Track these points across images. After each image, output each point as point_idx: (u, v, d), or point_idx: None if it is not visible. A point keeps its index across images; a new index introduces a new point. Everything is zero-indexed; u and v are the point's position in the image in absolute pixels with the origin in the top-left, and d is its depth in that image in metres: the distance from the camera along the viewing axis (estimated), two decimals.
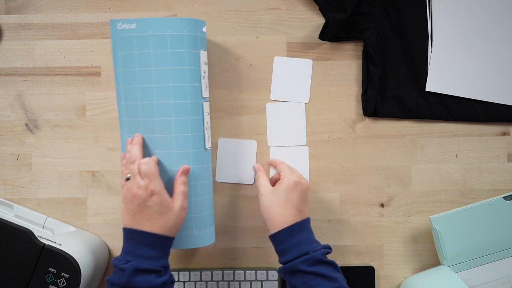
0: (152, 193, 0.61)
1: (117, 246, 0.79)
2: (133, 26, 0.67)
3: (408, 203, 0.79)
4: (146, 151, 0.68)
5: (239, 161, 0.78)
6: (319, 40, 0.78)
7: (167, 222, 0.62)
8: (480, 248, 0.73)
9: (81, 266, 0.66)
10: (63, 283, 0.65)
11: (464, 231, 0.73)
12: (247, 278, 0.77)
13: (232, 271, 0.77)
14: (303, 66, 0.79)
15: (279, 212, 0.65)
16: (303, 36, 0.79)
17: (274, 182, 0.70)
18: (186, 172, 0.67)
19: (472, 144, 0.79)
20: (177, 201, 0.64)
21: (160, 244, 0.62)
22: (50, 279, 0.65)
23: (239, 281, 0.77)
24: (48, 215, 0.78)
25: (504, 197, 0.73)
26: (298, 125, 0.79)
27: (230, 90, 0.79)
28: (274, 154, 0.78)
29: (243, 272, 0.77)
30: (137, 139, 0.67)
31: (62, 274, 0.65)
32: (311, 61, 0.78)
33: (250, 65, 0.79)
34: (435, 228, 0.72)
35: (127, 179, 0.64)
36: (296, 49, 0.79)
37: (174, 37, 0.67)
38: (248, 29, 0.79)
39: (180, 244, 0.69)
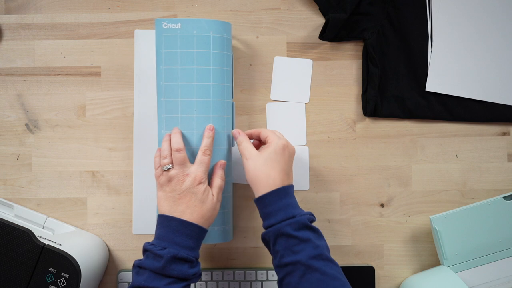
0: (199, 182, 0.64)
1: (117, 246, 0.79)
2: (178, 26, 0.70)
3: (408, 203, 0.79)
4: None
5: (234, 159, 0.78)
6: (319, 40, 0.78)
7: (206, 212, 0.64)
8: (480, 248, 0.73)
9: (81, 266, 0.66)
10: (63, 283, 0.65)
11: (464, 231, 0.73)
12: (247, 278, 0.77)
13: (232, 271, 0.77)
14: (303, 66, 0.79)
15: (268, 174, 0.64)
16: (303, 36, 0.79)
17: (256, 148, 0.69)
18: (223, 167, 0.69)
19: (472, 144, 0.79)
20: (215, 193, 0.66)
21: (197, 234, 0.63)
22: (50, 279, 0.65)
23: (239, 281, 0.77)
24: (48, 215, 0.78)
25: (504, 197, 0.73)
26: (298, 125, 0.79)
27: None
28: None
29: (243, 272, 0.77)
30: (177, 129, 0.69)
31: (62, 274, 0.65)
32: (311, 61, 0.79)
33: (250, 65, 0.79)
34: (435, 228, 0.72)
35: (168, 169, 0.65)
36: (296, 49, 0.79)
37: (216, 38, 0.70)
38: (248, 29, 0.79)
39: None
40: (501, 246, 0.73)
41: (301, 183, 0.78)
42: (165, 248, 0.60)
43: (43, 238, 0.68)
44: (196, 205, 0.63)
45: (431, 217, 0.73)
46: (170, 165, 0.65)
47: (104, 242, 0.78)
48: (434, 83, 0.77)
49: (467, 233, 0.73)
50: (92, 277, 0.71)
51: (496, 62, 0.77)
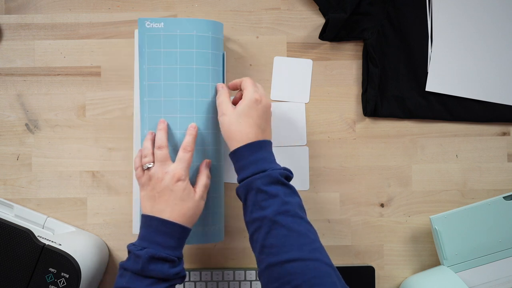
0: (178, 179, 0.62)
1: (117, 246, 0.79)
2: (161, 25, 0.69)
3: (408, 203, 0.79)
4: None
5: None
6: (319, 40, 0.78)
7: (187, 210, 0.62)
8: (480, 248, 0.73)
9: (81, 266, 0.66)
10: (63, 283, 0.65)
11: (464, 231, 0.73)
12: (247, 278, 0.77)
13: (232, 271, 0.77)
14: (303, 66, 0.79)
15: (240, 129, 0.63)
16: (303, 36, 0.79)
17: (237, 101, 0.68)
18: (209, 165, 0.69)
19: (472, 144, 0.79)
20: (199, 191, 0.65)
21: (178, 233, 0.62)
22: (50, 279, 0.65)
23: (239, 281, 0.77)
24: (48, 215, 0.78)
25: (504, 197, 0.73)
26: (298, 125, 0.78)
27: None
28: (274, 153, 0.78)
29: (243, 272, 0.77)
30: (163, 125, 0.67)
31: (62, 274, 0.65)
32: (311, 61, 0.78)
33: (250, 65, 0.79)
34: (435, 228, 0.72)
35: (148, 168, 0.64)
36: (296, 49, 0.79)
37: (200, 37, 0.69)
38: (248, 29, 0.79)
39: (190, 240, 0.69)
40: (501, 246, 0.73)
41: (301, 183, 0.78)
42: (144, 248, 0.60)
43: (43, 238, 0.68)
44: (176, 203, 0.62)
45: (431, 217, 0.73)
46: (152, 163, 0.64)
47: (104, 242, 0.78)
48: (434, 83, 0.77)
49: (467, 233, 0.73)
50: (92, 277, 0.71)
51: (496, 62, 0.77)
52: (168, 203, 0.62)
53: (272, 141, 0.65)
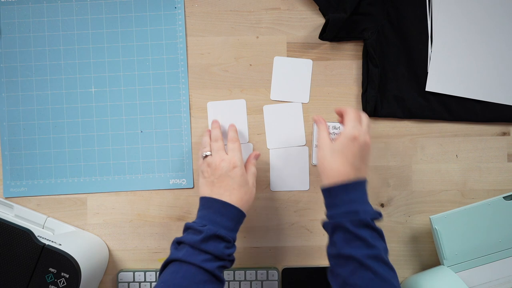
0: (234, 166, 0.67)
1: (117, 246, 0.79)
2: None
3: (408, 203, 0.79)
4: None
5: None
6: (319, 40, 0.78)
7: (243, 195, 0.67)
8: (480, 248, 0.73)
9: (81, 266, 0.66)
10: (63, 283, 0.65)
11: (464, 231, 0.73)
12: (247, 278, 0.77)
13: (232, 271, 0.77)
14: (303, 66, 0.79)
15: (332, 166, 0.64)
16: (303, 36, 0.79)
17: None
18: (257, 157, 0.74)
19: (472, 144, 0.79)
20: (250, 179, 0.69)
21: (236, 216, 0.65)
22: (50, 279, 0.65)
23: (239, 281, 0.77)
24: (48, 215, 0.78)
25: (504, 197, 0.73)
26: (298, 125, 0.78)
27: (230, 90, 0.79)
28: (274, 154, 0.78)
29: (243, 272, 0.77)
30: (217, 124, 0.75)
31: (62, 274, 0.65)
32: (311, 61, 0.79)
33: (250, 65, 0.79)
34: (435, 228, 0.72)
35: (206, 156, 0.69)
36: (296, 49, 0.79)
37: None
38: (248, 29, 0.79)
39: None
40: (501, 246, 0.73)
41: (301, 183, 0.78)
42: (206, 225, 0.62)
43: (43, 238, 0.68)
44: (234, 188, 0.66)
45: (431, 217, 0.73)
46: (209, 152, 0.69)
47: (104, 242, 0.78)
48: (434, 83, 0.77)
49: (467, 233, 0.73)
50: (92, 277, 0.71)
51: (496, 62, 0.77)
52: (227, 187, 0.66)
53: (367, 179, 0.65)
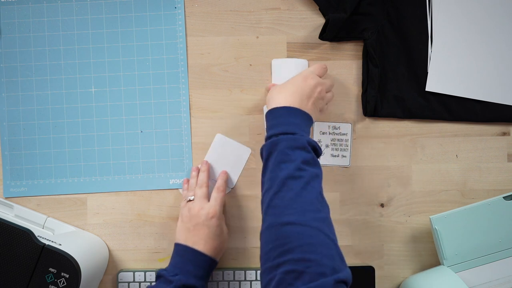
0: (213, 216, 0.69)
1: (117, 246, 0.79)
2: None
3: (408, 203, 0.79)
4: None
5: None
6: (319, 40, 0.78)
7: (218, 244, 0.69)
8: (480, 248, 0.73)
9: (81, 266, 0.66)
10: (63, 283, 0.65)
11: (464, 231, 0.73)
12: (247, 278, 0.77)
13: (232, 271, 0.77)
14: (299, 66, 0.78)
15: (280, 95, 0.64)
16: (303, 36, 0.79)
17: None
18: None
19: (472, 144, 0.79)
20: (225, 227, 0.73)
21: (208, 265, 0.68)
22: (50, 279, 0.65)
23: (239, 281, 0.77)
24: (48, 215, 0.78)
25: (504, 197, 0.73)
26: None
27: (230, 90, 0.79)
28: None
29: (243, 272, 0.77)
30: (205, 167, 0.75)
31: (62, 274, 0.65)
32: (306, 61, 0.78)
33: (250, 65, 0.79)
34: (435, 228, 0.72)
35: (189, 200, 0.71)
36: (296, 49, 0.79)
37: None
38: (248, 29, 0.79)
39: None
40: (501, 246, 0.73)
41: None
42: (177, 275, 0.64)
43: (43, 238, 0.68)
44: (210, 237, 0.68)
45: (431, 217, 0.73)
46: (193, 196, 0.71)
47: (104, 242, 0.78)
48: (434, 83, 0.77)
49: (467, 233, 0.73)
50: (92, 277, 0.71)
51: (496, 62, 0.77)
52: (202, 236, 0.68)
53: (313, 120, 0.65)
